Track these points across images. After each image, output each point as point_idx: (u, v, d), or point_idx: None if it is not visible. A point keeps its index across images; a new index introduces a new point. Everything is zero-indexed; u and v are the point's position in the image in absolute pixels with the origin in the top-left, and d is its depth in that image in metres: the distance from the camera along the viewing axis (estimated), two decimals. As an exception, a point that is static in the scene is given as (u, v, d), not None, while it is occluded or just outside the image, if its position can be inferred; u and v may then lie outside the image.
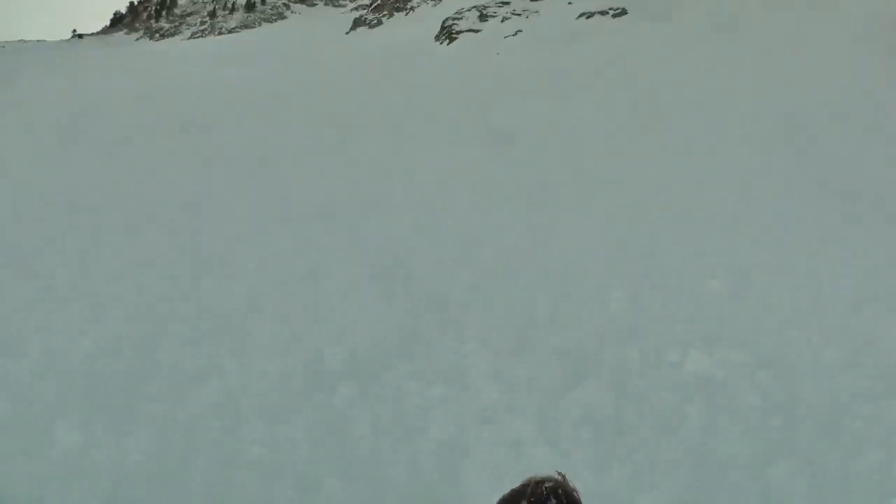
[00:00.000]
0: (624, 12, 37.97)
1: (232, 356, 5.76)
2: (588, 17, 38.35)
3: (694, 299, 6.60)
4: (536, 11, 42.96)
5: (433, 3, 77.98)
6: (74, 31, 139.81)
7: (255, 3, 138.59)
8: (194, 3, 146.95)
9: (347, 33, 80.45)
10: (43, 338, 5.98)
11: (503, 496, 1.40)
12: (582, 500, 1.40)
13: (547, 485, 1.35)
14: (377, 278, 6.94)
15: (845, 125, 13.41)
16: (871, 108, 14.25)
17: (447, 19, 45.22)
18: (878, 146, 11.95)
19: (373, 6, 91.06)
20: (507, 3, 44.94)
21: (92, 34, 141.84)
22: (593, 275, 7.06)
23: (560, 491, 1.35)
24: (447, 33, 42.79)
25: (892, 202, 9.31)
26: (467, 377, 5.49)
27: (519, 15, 42.70)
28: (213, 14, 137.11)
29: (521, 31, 38.85)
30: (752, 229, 8.44)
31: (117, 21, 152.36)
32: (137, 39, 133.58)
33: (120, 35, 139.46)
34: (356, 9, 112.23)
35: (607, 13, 38.32)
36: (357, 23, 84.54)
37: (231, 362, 5.66)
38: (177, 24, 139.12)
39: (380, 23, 79.68)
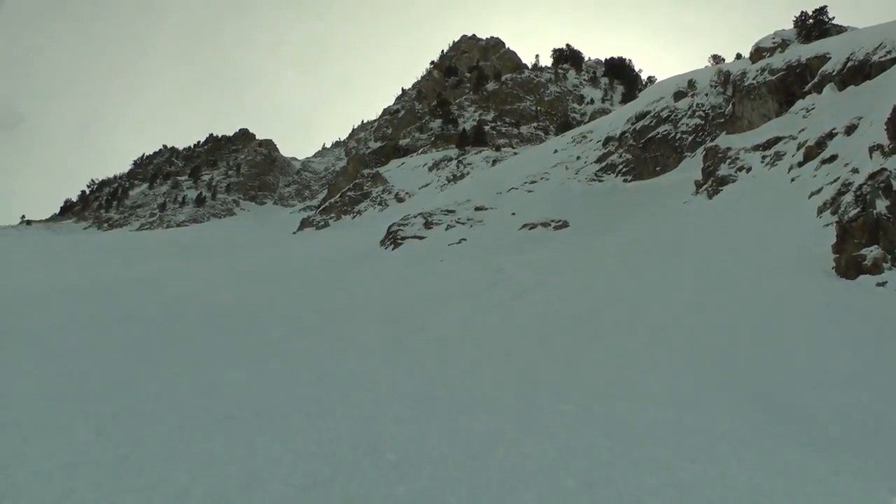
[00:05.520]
0: (565, 225, 39.19)
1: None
2: (531, 228, 39.45)
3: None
4: (481, 221, 44.16)
5: (380, 208, 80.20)
6: (23, 217, 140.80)
7: (205, 198, 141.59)
8: (145, 195, 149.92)
9: (294, 233, 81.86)
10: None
11: None
12: None
13: None
14: (311, 491, 6.57)
15: (783, 343, 13.48)
16: (807, 326, 14.32)
17: (393, 225, 46.35)
18: (818, 365, 11.96)
19: (321, 208, 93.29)
20: (453, 212, 46.24)
21: (41, 221, 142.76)
22: (531, 490, 6.69)
23: None
24: (392, 238, 43.66)
25: (832, 424, 9.20)
26: None
27: (463, 224, 43.84)
28: (163, 206, 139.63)
29: (464, 239, 39.70)
30: (690, 446, 8.24)
31: (67, 209, 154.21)
32: (86, 228, 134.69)
33: (69, 223, 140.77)
34: (304, 209, 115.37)
35: (549, 225, 39.46)
36: (304, 223, 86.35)
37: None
38: (126, 214, 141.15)
39: (327, 224, 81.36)
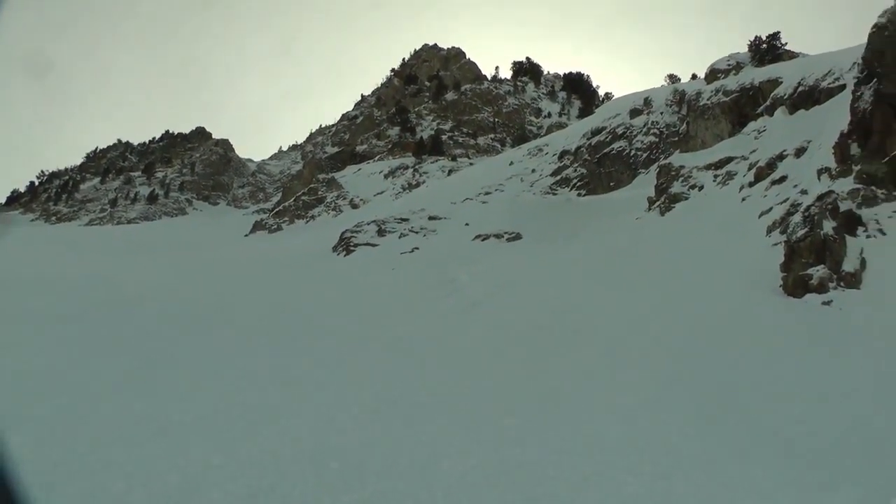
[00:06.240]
0: (518, 237, 39.28)
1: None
2: (484, 240, 39.46)
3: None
4: (434, 230, 44.11)
5: (334, 213, 79.85)
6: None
7: (157, 195, 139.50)
8: (96, 190, 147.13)
9: (247, 235, 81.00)
10: None
11: None
12: None
13: None
14: (251, 500, 6.51)
15: (732, 359, 13.66)
16: (755, 343, 14.56)
17: (346, 231, 46.15)
18: (765, 381, 12.13)
19: (274, 211, 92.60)
20: (406, 220, 46.17)
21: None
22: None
23: None
24: (345, 245, 43.43)
25: (779, 434, 9.42)
26: None
27: (417, 232, 43.78)
28: (114, 202, 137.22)
29: (417, 248, 39.62)
30: (638, 460, 8.29)
31: (14, 199, 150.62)
32: (33, 220, 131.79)
33: (15, 214, 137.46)
34: (258, 212, 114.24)
35: (502, 237, 39.50)
36: (257, 226, 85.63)
37: None
38: (76, 208, 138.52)
39: (280, 228, 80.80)
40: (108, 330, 17.52)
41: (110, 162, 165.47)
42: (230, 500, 6.34)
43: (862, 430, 9.44)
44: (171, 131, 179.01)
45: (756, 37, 50.92)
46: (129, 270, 36.98)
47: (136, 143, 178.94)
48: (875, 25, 23.25)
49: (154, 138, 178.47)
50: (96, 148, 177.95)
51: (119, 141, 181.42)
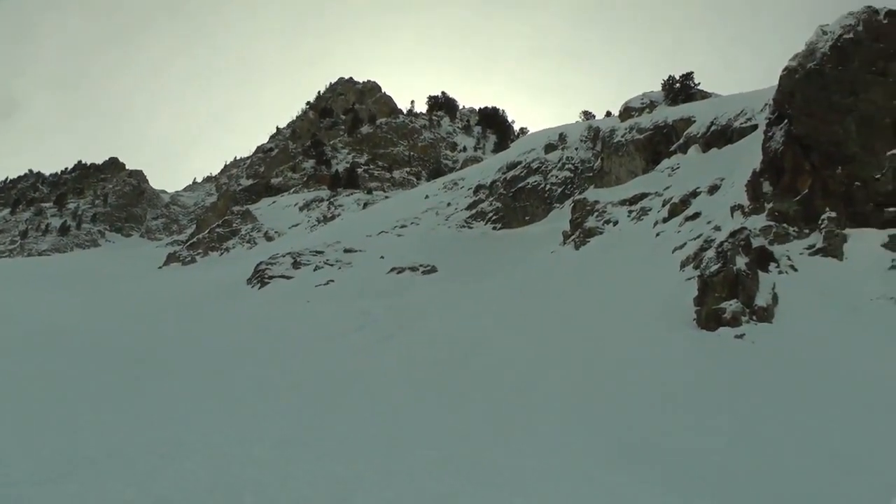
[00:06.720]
0: (434, 270, 39.12)
1: None
2: (399, 272, 39.21)
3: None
4: (349, 263, 43.71)
5: (248, 246, 78.62)
6: None
7: (69, 227, 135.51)
8: (6, 221, 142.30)
9: (160, 268, 79.15)
10: None
11: None
12: None
13: None
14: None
15: (646, 391, 13.75)
16: (668, 375, 14.83)
17: (260, 263, 45.44)
18: (678, 409, 12.38)
19: (188, 243, 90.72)
20: (322, 253, 45.67)
21: None
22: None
23: None
24: (259, 277, 42.71)
25: (691, 468, 9.41)
26: None
27: (332, 265, 43.30)
28: (24, 234, 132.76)
29: (332, 280, 39.17)
30: (555, 492, 8.35)
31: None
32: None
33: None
34: (172, 244, 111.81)
35: (417, 270, 39.29)
36: (171, 258, 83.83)
37: None
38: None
39: (193, 260, 79.27)
40: (15, 365, 17.02)
41: (21, 193, 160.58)
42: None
43: (775, 460, 9.58)
44: (83, 161, 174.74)
45: (669, 76, 52.06)
46: (38, 304, 35.84)
47: (47, 174, 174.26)
48: (786, 68, 23.85)
49: (66, 168, 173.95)
50: (6, 178, 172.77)
51: (30, 171, 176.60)
